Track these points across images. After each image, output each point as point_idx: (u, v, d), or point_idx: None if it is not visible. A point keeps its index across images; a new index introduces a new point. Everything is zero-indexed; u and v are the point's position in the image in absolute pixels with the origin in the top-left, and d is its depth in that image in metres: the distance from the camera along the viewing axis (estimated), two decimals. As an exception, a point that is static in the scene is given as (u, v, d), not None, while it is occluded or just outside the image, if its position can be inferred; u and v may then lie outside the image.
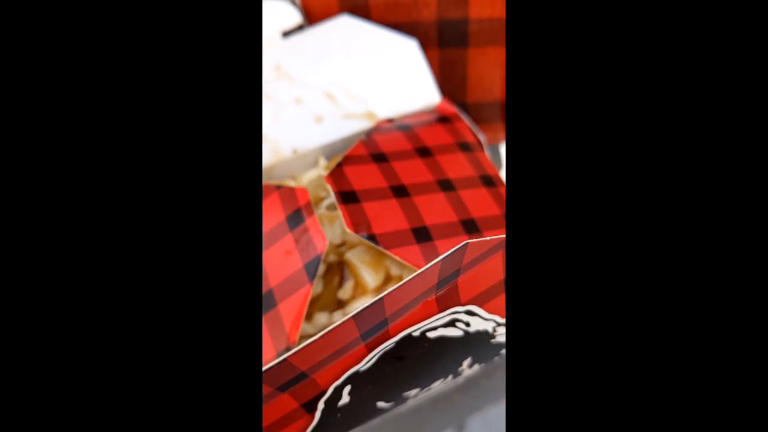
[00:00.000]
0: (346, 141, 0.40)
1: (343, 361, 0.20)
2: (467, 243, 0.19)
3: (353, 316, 0.18)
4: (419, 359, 0.24)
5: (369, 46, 0.38)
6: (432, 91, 0.39)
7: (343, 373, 0.21)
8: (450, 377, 0.28)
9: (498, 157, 0.44)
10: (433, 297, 0.21)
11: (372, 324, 0.19)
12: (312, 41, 0.38)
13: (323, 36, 0.38)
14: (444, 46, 0.39)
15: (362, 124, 0.40)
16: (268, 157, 0.39)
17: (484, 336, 0.26)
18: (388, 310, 0.19)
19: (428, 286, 0.20)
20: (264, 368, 0.17)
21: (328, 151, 0.40)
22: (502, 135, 0.39)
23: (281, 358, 0.17)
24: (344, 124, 0.39)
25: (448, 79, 0.39)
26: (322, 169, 0.40)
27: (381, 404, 0.25)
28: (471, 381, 0.39)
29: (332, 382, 0.21)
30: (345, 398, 0.22)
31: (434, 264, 0.19)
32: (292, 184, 0.39)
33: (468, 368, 0.28)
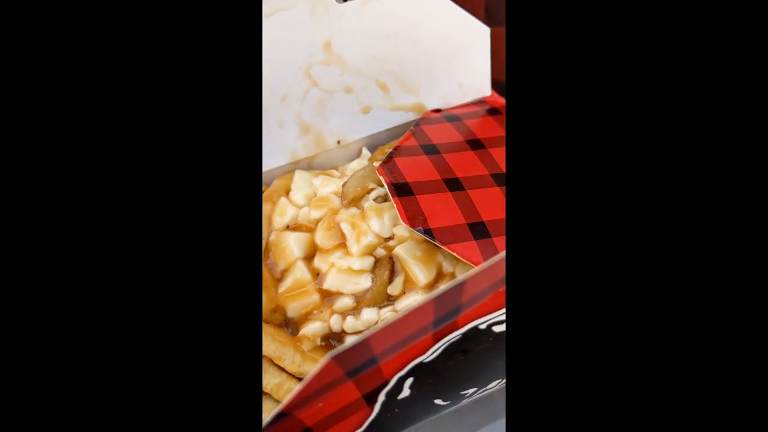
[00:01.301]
0: (391, 132, 0.40)
1: (410, 350, 0.20)
2: None
3: (434, 297, 0.18)
4: (482, 354, 0.23)
5: (436, 27, 0.37)
6: (486, 85, 0.40)
7: (408, 364, 0.21)
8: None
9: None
10: (504, 287, 0.21)
11: (447, 309, 0.19)
12: (373, 15, 0.36)
13: (386, 9, 0.36)
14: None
15: (409, 116, 0.40)
16: (310, 148, 0.39)
17: None
18: (465, 294, 0.19)
19: (499, 275, 0.20)
20: (342, 348, 0.17)
21: (372, 142, 0.40)
22: None
23: (361, 338, 0.17)
24: (391, 116, 0.40)
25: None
26: (365, 160, 0.40)
27: (438, 401, 0.25)
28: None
29: (396, 373, 0.21)
30: (405, 391, 0.22)
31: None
32: (336, 174, 0.39)
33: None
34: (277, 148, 0.39)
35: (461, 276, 0.18)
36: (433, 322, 0.19)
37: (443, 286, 0.18)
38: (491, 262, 0.18)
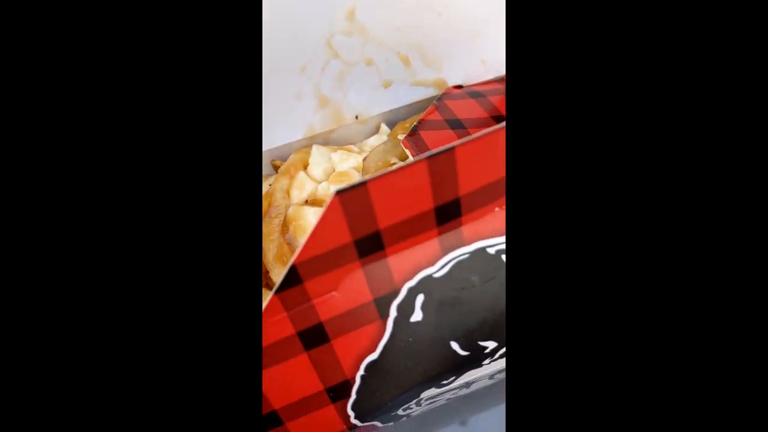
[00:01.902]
0: (410, 108, 0.40)
1: (414, 246, 0.20)
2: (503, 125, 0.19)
3: (426, 156, 0.18)
4: (497, 294, 0.23)
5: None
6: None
7: (416, 271, 0.20)
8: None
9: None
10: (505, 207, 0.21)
11: (445, 188, 0.18)
12: None
13: None
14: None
15: (429, 92, 0.40)
16: (328, 121, 0.40)
17: None
18: (461, 176, 0.18)
19: (498, 164, 0.19)
20: (346, 186, 0.17)
21: (391, 117, 0.40)
22: None
23: (361, 181, 0.17)
24: (411, 91, 0.40)
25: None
26: (384, 136, 0.40)
27: (455, 346, 0.24)
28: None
29: (405, 280, 0.20)
30: (417, 313, 0.21)
31: (501, 128, 0.18)
32: (355, 150, 0.39)
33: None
34: (294, 122, 0.39)
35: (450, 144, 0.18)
36: (433, 203, 0.19)
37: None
38: (484, 133, 0.18)
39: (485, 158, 0.19)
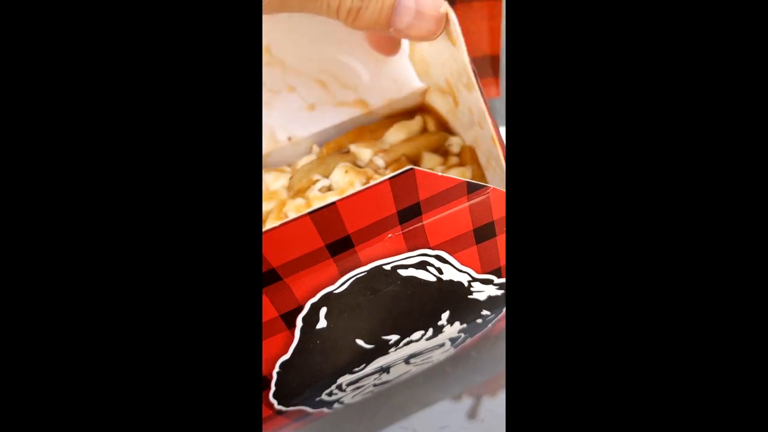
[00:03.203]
0: (338, 128, 0.46)
1: (314, 273, 0.26)
2: (412, 168, 0.25)
3: (309, 213, 0.23)
4: (393, 298, 0.29)
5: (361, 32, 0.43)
6: (416, 78, 0.46)
7: (317, 291, 0.26)
8: (430, 331, 0.33)
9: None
10: (400, 233, 0.27)
11: (334, 231, 0.24)
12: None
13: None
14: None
15: (354, 112, 0.46)
16: (265, 145, 0.46)
17: (459, 288, 0.31)
18: (346, 220, 0.24)
19: (386, 207, 0.25)
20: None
21: (321, 137, 0.46)
22: (495, 89, 0.44)
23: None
24: (337, 112, 0.46)
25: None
26: (315, 155, 0.46)
27: (361, 343, 0.30)
28: (462, 353, 0.44)
29: (308, 298, 0.26)
30: (322, 321, 0.27)
31: (383, 182, 0.24)
32: (287, 170, 0.46)
33: (449, 325, 0.34)
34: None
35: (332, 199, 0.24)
36: (326, 246, 0.25)
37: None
38: (362, 189, 0.24)
39: (368, 205, 0.25)
